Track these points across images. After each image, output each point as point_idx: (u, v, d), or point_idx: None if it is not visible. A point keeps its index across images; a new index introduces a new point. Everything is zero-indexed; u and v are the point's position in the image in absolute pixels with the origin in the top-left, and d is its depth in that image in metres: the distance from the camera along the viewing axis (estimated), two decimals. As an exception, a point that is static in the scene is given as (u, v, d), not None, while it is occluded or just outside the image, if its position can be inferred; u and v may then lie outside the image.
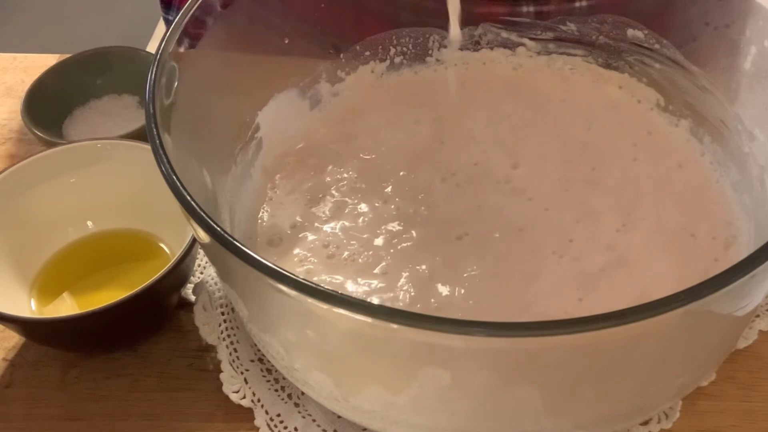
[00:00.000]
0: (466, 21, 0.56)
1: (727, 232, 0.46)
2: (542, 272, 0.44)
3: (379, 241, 0.46)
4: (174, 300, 0.49)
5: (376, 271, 0.45)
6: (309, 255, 0.46)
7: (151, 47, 0.73)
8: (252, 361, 0.47)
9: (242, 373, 0.47)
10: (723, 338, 0.40)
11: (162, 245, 0.52)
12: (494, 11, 0.56)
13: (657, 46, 0.53)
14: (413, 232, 0.47)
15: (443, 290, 0.44)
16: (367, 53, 0.56)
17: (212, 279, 0.51)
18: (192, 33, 0.44)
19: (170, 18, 0.71)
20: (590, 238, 0.46)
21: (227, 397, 0.46)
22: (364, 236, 0.47)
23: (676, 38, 0.53)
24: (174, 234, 0.51)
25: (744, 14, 0.47)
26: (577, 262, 0.45)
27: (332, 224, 0.48)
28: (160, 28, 0.81)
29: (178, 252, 0.46)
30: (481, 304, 0.43)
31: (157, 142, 0.37)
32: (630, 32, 0.54)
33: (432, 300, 0.43)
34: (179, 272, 0.46)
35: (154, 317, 0.49)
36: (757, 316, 0.48)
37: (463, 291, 0.44)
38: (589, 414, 0.38)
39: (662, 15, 0.54)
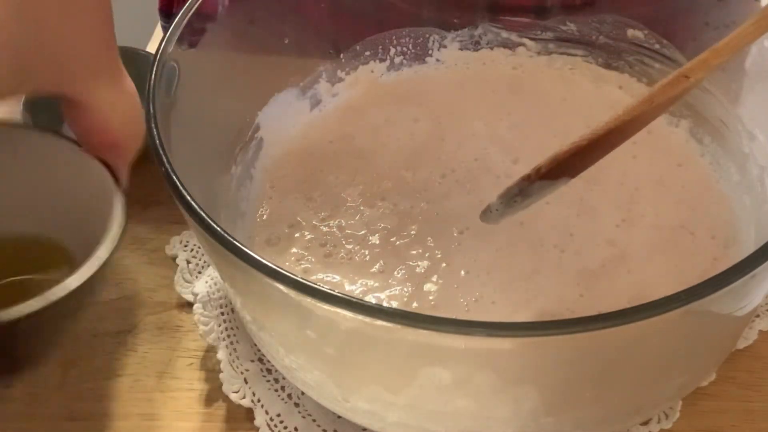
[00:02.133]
0: (467, 21, 0.56)
1: (727, 231, 0.46)
2: (543, 267, 0.45)
3: (376, 239, 0.46)
4: (68, 324, 0.43)
5: (373, 269, 0.45)
6: (306, 254, 0.46)
7: (151, 47, 0.73)
8: (252, 361, 0.47)
9: (242, 373, 0.47)
10: (723, 338, 0.40)
11: (68, 250, 0.45)
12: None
13: (657, 46, 0.53)
14: (412, 228, 0.47)
15: (442, 287, 0.44)
16: (367, 53, 0.56)
17: (212, 279, 0.51)
18: (192, 33, 0.44)
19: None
20: (590, 232, 0.46)
21: (227, 397, 0.46)
22: (361, 234, 0.47)
23: (676, 38, 0.53)
24: (80, 239, 0.42)
25: (744, 14, 0.47)
26: (578, 257, 0.45)
27: (330, 223, 0.48)
28: (160, 28, 0.81)
29: (84, 258, 0.38)
30: (480, 300, 0.43)
31: (157, 142, 0.37)
32: (630, 32, 0.54)
33: (430, 298, 0.43)
34: (75, 298, 0.38)
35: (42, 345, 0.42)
36: (757, 316, 0.48)
37: (462, 287, 0.44)
38: (589, 414, 0.38)
39: (662, 15, 0.54)
